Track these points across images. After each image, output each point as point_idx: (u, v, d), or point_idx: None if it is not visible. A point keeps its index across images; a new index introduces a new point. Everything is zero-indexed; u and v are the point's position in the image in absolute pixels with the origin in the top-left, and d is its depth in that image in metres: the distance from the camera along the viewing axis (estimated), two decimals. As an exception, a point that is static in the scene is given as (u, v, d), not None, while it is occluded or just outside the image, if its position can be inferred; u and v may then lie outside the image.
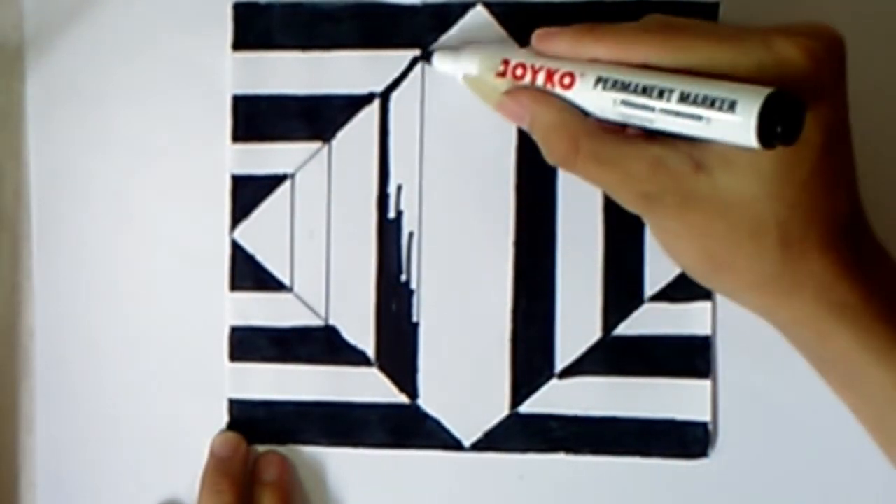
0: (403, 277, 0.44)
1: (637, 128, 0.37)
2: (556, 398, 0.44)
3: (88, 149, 0.46)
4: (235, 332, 0.45)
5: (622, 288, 0.44)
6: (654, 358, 0.44)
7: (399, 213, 0.44)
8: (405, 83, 0.44)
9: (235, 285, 0.45)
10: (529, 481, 0.44)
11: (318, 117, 0.44)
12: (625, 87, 0.36)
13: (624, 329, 0.44)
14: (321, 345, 0.45)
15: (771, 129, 0.33)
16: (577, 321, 0.44)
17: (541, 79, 0.39)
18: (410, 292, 0.44)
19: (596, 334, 0.44)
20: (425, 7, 0.44)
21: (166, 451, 0.46)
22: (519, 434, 0.44)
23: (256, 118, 0.45)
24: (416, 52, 0.44)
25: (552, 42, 0.39)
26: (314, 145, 0.45)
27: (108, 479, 0.46)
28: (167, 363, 0.45)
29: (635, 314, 0.44)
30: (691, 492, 0.44)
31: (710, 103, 0.34)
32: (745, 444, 0.44)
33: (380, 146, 0.44)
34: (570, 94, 0.38)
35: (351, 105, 0.44)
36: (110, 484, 0.46)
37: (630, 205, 0.37)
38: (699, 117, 0.34)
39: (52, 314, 0.46)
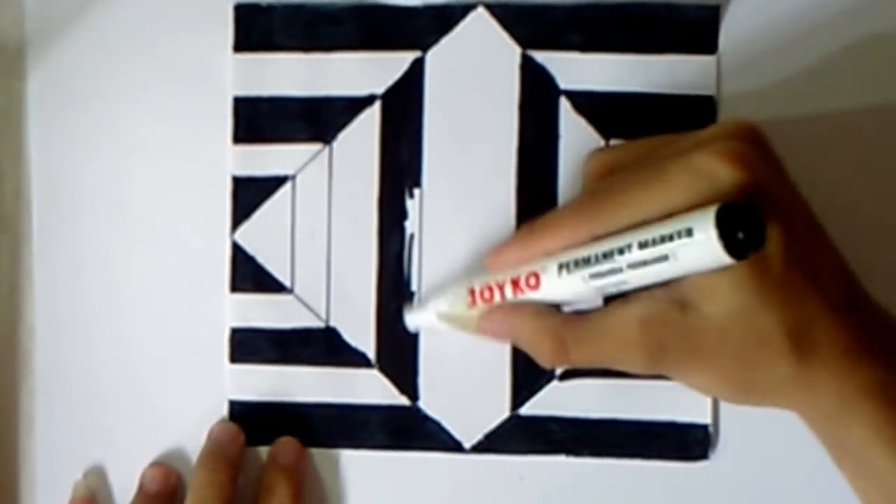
0: (404, 279, 0.44)
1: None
2: (556, 400, 0.44)
3: (89, 149, 0.45)
4: (236, 333, 0.45)
5: (622, 290, 0.44)
6: (655, 360, 0.44)
7: (400, 215, 0.44)
8: (405, 84, 0.44)
9: (236, 287, 0.45)
10: (530, 483, 0.44)
11: (318, 119, 0.44)
12: (586, 262, 0.36)
13: (624, 331, 0.44)
14: (322, 346, 0.45)
15: (734, 239, 0.33)
16: (578, 323, 0.44)
17: (508, 290, 0.39)
18: (411, 294, 0.44)
19: (596, 336, 0.44)
20: (426, 9, 0.44)
21: (166, 451, 0.46)
22: (519, 436, 0.44)
23: (257, 119, 0.44)
24: (417, 54, 0.44)
25: (501, 256, 0.40)
26: (315, 147, 0.45)
27: (108, 480, 0.46)
28: (167, 364, 0.45)
29: (636, 316, 0.44)
30: (692, 494, 0.44)
31: (669, 238, 0.34)
32: (746, 447, 0.44)
33: (380, 148, 0.44)
34: (540, 293, 0.38)
35: (352, 106, 0.44)
36: (110, 484, 0.46)
37: (640, 369, 0.37)
38: (665, 257, 0.34)
39: (52, 314, 0.46)
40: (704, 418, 0.44)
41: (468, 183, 0.44)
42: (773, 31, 0.44)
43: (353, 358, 0.45)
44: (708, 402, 0.44)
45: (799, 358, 0.35)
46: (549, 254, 0.38)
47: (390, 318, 0.44)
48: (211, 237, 0.45)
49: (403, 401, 0.45)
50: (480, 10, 0.44)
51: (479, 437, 0.45)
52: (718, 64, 0.44)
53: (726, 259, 0.33)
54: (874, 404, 0.36)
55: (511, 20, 0.44)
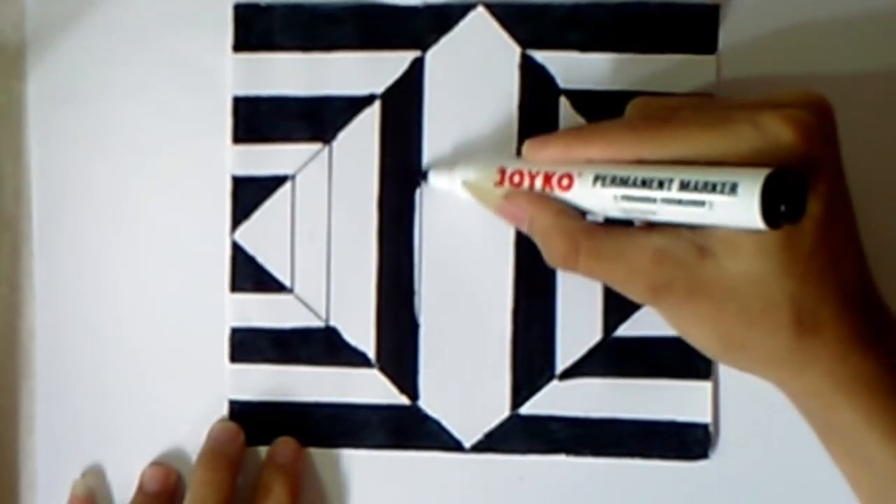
0: (404, 278, 0.44)
1: (639, 222, 0.37)
2: (556, 399, 0.44)
3: (88, 149, 0.45)
4: (236, 333, 0.45)
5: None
6: (655, 359, 0.44)
7: (400, 215, 0.44)
8: (405, 84, 0.44)
9: (236, 286, 0.45)
10: (530, 483, 0.44)
11: (318, 118, 0.44)
12: (623, 182, 0.36)
13: (624, 330, 0.44)
14: (322, 346, 0.45)
15: (775, 208, 0.33)
16: (578, 322, 0.44)
17: (539, 183, 0.39)
18: (411, 293, 0.44)
19: (596, 336, 0.44)
20: (426, 8, 0.44)
21: (166, 451, 0.46)
22: (519, 435, 0.44)
23: (257, 119, 0.44)
24: (417, 54, 0.44)
25: (544, 150, 0.39)
26: (315, 146, 0.45)
27: (108, 480, 0.46)
28: (167, 364, 0.45)
29: (636, 315, 0.44)
30: (692, 493, 0.44)
31: (712, 188, 0.34)
32: (746, 446, 0.44)
33: (380, 147, 0.44)
34: (569, 195, 0.38)
35: (351, 106, 0.44)
36: (110, 484, 0.46)
37: (638, 297, 0.37)
38: (702, 203, 0.34)
39: (52, 314, 0.46)
40: (704, 418, 0.44)
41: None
42: (772, 30, 0.44)
43: (353, 358, 0.45)
44: (708, 401, 0.44)
45: (799, 333, 0.35)
46: (590, 161, 0.37)
47: (390, 318, 0.44)
48: (211, 237, 0.45)
49: (403, 400, 0.45)
50: (480, 9, 0.44)
51: (479, 436, 0.45)
52: (718, 64, 0.44)
53: (760, 224, 0.33)
54: (867, 390, 0.36)
55: (511, 20, 0.44)
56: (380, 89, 0.44)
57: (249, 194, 0.45)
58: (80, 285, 0.46)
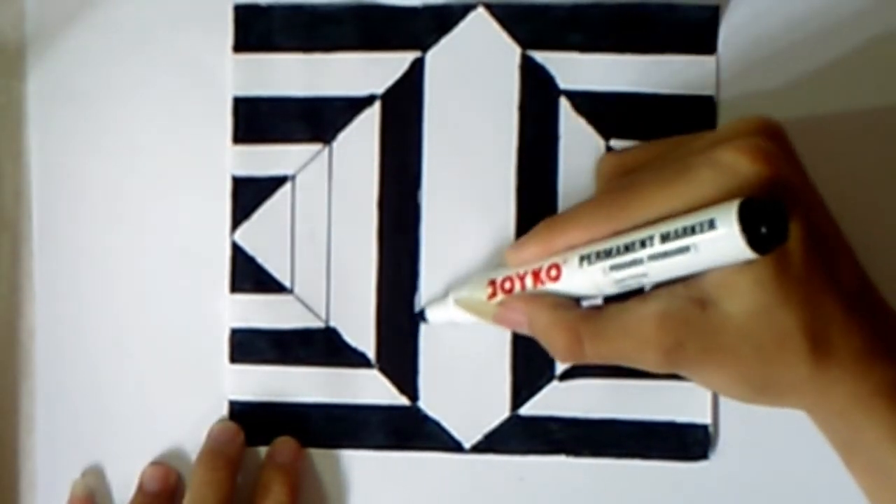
0: (404, 279, 0.44)
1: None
2: (556, 400, 0.44)
3: (89, 149, 0.45)
4: (236, 333, 0.45)
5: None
6: (655, 360, 0.44)
7: (400, 215, 0.44)
8: (405, 85, 0.44)
9: (236, 287, 0.45)
10: (530, 483, 0.44)
11: (318, 119, 0.44)
12: (608, 254, 0.36)
13: (624, 331, 0.44)
14: (321, 346, 0.45)
15: (757, 233, 0.33)
16: (578, 323, 0.44)
17: (529, 282, 0.39)
18: (411, 293, 0.44)
19: (596, 336, 0.44)
20: (426, 9, 0.44)
21: (166, 451, 0.46)
22: (519, 436, 0.44)
23: (257, 120, 0.44)
24: (417, 54, 0.44)
25: (523, 251, 0.39)
26: (315, 147, 0.45)
27: (108, 480, 0.46)
28: (167, 364, 0.45)
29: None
30: (692, 494, 0.44)
31: (692, 230, 0.34)
32: (746, 447, 0.44)
33: (380, 148, 0.44)
34: (561, 284, 0.38)
35: (352, 107, 0.44)
36: (110, 484, 0.46)
37: (654, 367, 0.37)
38: (686, 248, 0.34)
39: (52, 314, 0.46)
40: (704, 418, 0.44)
41: (468, 183, 0.44)
42: (772, 31, 0.44)
43: (353, 358, 0.45)
44: (708, 402, 0.44)
45: (817, 359, 0.35)
46: (570, 248, 0.38)
47: (390, 319, 0.44)
48: (210, 237, 0.45)
49: (403, 401, 0.45)
50: (480, 10, 0.44)
51: (479, 437, 0.45)
52: (718, 64, 0.44)
53: (748, 253, 0.33)
54: (888, 404, 0.36)
55: (511, 20, 0.44)
56: (380, 90, 0.44)
57: (249, 195, 0.45)
58: (80, 285, 0.46)
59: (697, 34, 0.44)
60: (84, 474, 0.46)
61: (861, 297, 0.36)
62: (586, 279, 0.37)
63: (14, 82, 0.46)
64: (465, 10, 0.44)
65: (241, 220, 0.45)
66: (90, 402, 0.46)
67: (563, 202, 0.44)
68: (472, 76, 0.44)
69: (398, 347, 0.45)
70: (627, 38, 0.44)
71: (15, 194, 0.46)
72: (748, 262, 0.34)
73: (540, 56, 0.44)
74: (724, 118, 0.44)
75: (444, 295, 0.43)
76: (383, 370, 0.45)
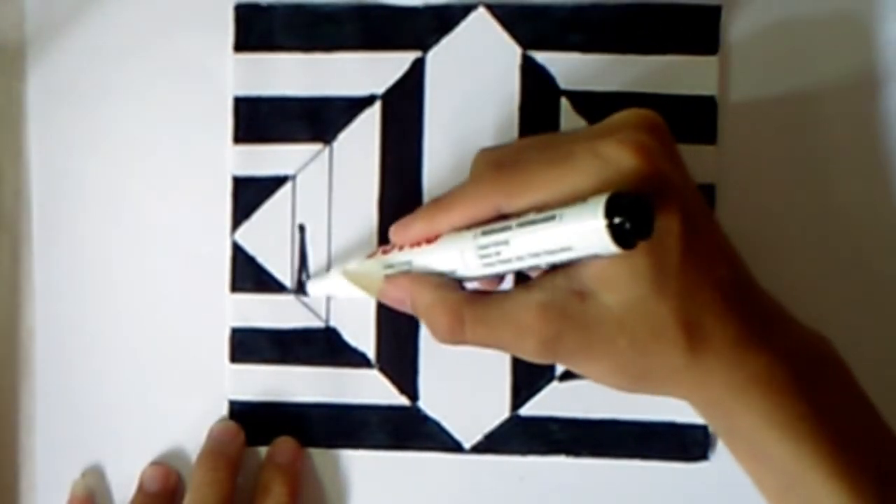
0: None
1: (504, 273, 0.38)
2: (556, 401, 0.44)
3: (89, 149, 0.45)
4: (236, 333, 0.45)
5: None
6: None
7: (400, 215, 0.44)
8: (406, 85, 0.44)
9: (236, 287, 0.45)
10: (530, 483, 0.44)
11: (319, 119, 0.44)
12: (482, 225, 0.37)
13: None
14: (322, 346, 0.45)
15: (622, 229, 0.33)
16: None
17: (407, 247, 0.40)
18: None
19: (596, 336, 0.44)
20: (427, 9, 0.44)
21: (166, 451, 0.46)
22: (519, 436, 0.44)
23: (258, 120, 0.44)
24: (418, 54, 0.44)
25: (408, 230, 0.40)
26: (315, 147, 0.45)
27: (108, 480, 0.46)
28: (168, 364, 0.45)
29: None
30: (691, 495, 0.44)
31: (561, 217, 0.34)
32: (746, 447, 0.44)
33: (380, 148, 0.44)
34: (436, 245, 0.38)
35: (352, 107, 0.44)
36: (110, 484, 0.46)
37: (533, 356, 0.37)
38: (552, 217, 0.34)
39: (52, 314, 0.46)
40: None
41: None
42: (773, 31, 0.44)
43: (353, 358, 0.45)
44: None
45: (691, 348, 0.36)
46: (454, 228, 0.38)
47: (390, 319, 0.44)
48: (211, 237, 0.45)
49: (403, 401, 0.45)
50: (481, 10, 0.44)
51: (478, 437, 0.45)
52: (719, 64, 0.44)
53: (613, 248, 0.33)
54: (762, 391, 0.36)
55: (511, 20, 0.44)
56: (380, 90, 0.44)
57: (250, 194, 0.45)
58: (80, 285, 0.46)
59: (699, 34, 0.44)
60: (84, 474, 0.46)
61: (737, 288, 0.37)
62: (458, 241, 0.37)
63: (14, 82, 0.46)
64: (466, 10, 0.44)
65: (242, 220, 0.45)
66: (90, 402, 0.46)
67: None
68: (473, 76, 0.44)
69: (398, 347, 0.45)
70: (628, 39, 0.44)
71: (15, 194, 0.46)
72: (625, 255, 0.34)
73: (540, 56, 0.44)
74: (726, 118, 0.44)
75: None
76: (383, 370, 0.45)
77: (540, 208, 0.35)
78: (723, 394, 0.37)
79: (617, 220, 0.33)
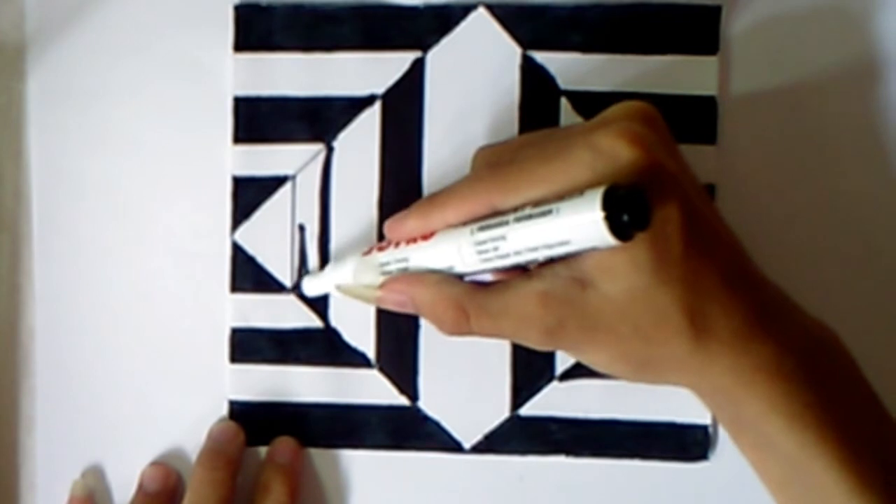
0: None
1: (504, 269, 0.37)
2: (556, 401, 0.44)
3: (89, 149, 0.45)
4: (236, 333, 0.45)
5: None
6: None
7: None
8: (406, 85, 0.44)
9: (236, 287, 0.45)
10: (529, 483, 0.44)
11: (319, 119, 0.44)
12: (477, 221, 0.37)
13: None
14: (322, 346, 0.45)
15: (619, 221, 0.33)
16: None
17: (403, 243, 0.39)
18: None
19: (596, 336, 0.44)
20: (427, 8, 0.44)
21: (166, 451, 0.46)
22: (519, 436, 0.44)
23: (257, 119, 0.44)
24: (418, 54, 0.44)
25: (402, 225, 0.40)
26: (315, 147, 0.45)
27: (108, 480, 0.46)
28: (167, 364, 0.45)
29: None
30: (691, 495, 0.44)
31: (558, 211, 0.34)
32: (745, 447, 0.44)
33: (380, 148, 0.44)
34: (433, 242, 0.38)
35: (352, 107, 0.44)
36: (110, 484, 0.46)
37: (537, 344, 0.37)
38: (549, 211, 0.34)
39: (52, 314, 0.46)
40: (704, 419, 0.44)
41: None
42: (773, 31, 0.44)
43: (353, 358, 0.45)
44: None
45: (695, 336, 0.36)
46: (448, 225, 0.38)
47: (390, 319, 0.44)
48: (211, 237, 0.45)
49: (403, 401, 0.45)
50: (481, 10, 0.44)
51: (478, 437, 0.45)
52: (719, 64, 0.44)
53: (611, 240, 0.33)
54: (767, 379, 0.36)
55: (511, 20, 0.44)
56: (380, 90, 0.44)
57: (250, 194, 0.45)
58: (80, 285, 0.46)
59: (699, 34, 0.44)
60: (84, 474, 0.46)
61: (740, 276, 0.37)
62: (454, 239, 0.37)
63: (14, 82, 0.46)
64: (466, 10, 0.44)
65: (242, 220, 0.45)
66: (90, 402, 0.46)
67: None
68: (473, 76, 0.44)
69: (398, 347, 0.45)
70: (628, 39, 0.44)
71: (15, 194, 0.46)
72: (625, 245, 0.34)
73: (540, 56, 0.44)
74: (726, 118, 0.44)
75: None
76: (383, 370, 0.45)
77: (535, 204, 0.35)
78: (728, 382, 0.37)
79: (614, 213, 0.33)
